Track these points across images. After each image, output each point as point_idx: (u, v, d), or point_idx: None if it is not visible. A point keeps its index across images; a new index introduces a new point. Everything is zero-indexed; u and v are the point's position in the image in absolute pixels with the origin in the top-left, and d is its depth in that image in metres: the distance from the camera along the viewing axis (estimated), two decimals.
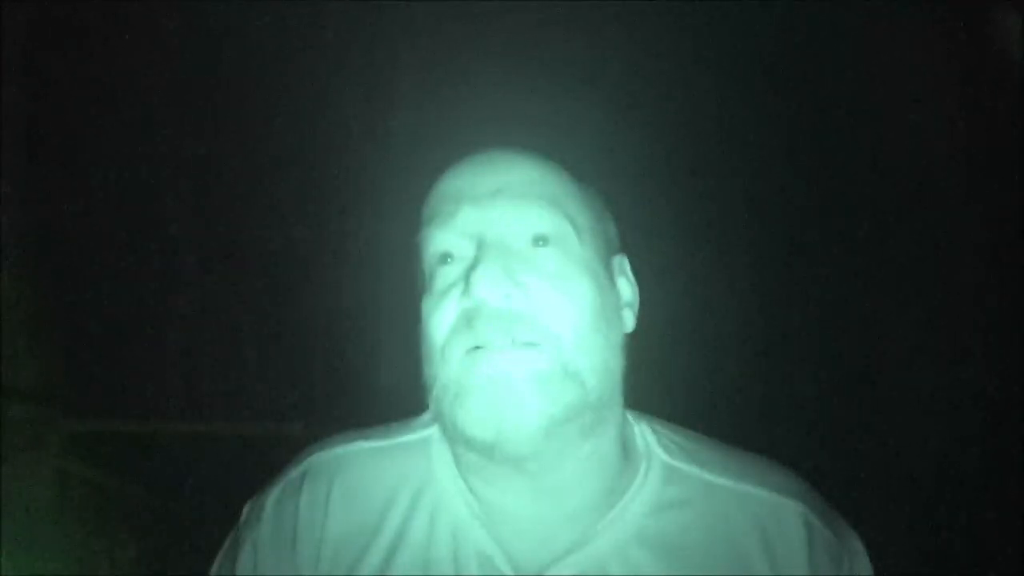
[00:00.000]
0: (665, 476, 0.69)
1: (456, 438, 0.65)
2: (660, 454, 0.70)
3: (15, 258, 2.00)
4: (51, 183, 2.16)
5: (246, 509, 0.76)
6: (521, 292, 0.62)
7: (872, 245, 2.01)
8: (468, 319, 0.62)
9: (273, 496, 0.74)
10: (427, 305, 0.66)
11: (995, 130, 1.63)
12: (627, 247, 0.75)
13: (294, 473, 0.74)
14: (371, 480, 0.72)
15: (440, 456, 0.71)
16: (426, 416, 0.73)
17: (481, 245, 0.64)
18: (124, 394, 2.27)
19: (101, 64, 2.17)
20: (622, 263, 0.72)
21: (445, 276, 0.65)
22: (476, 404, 0.61)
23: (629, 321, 0.70)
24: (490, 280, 0.61)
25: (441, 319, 0.64)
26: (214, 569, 0.76)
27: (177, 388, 2.40)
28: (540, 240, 0.65)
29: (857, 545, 0.69)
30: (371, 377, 2.32)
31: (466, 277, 0.63)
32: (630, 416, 0.72)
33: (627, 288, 0.72)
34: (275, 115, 2.30)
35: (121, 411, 2.27)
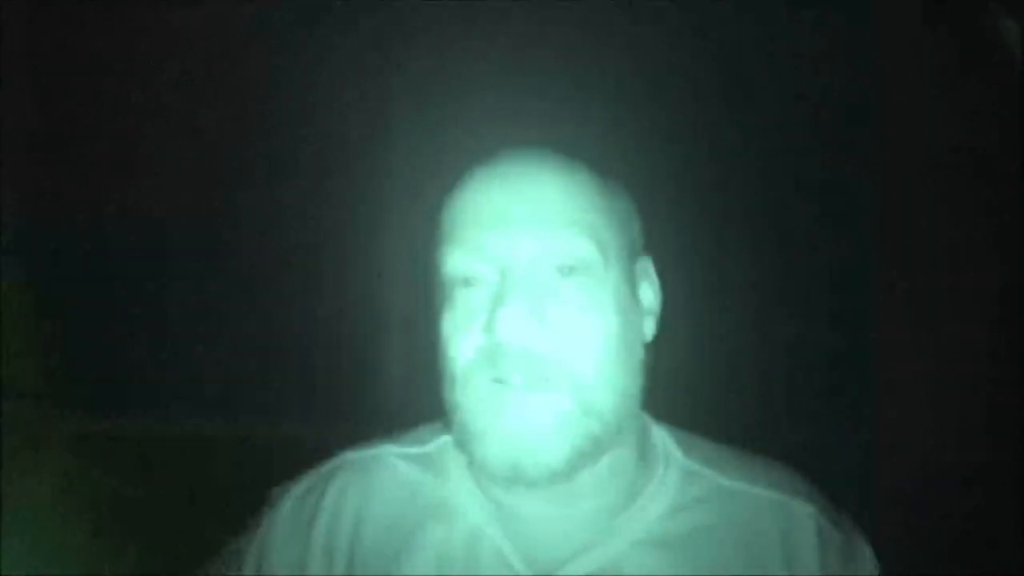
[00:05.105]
0: (683, 478, 0.70)
1: (474, 466, 0.66)
2: (678, 456, 0.71)
3: (15, 257, 2.00)
4: (51, 182, 2.16)
5: (275, 494, 0.78)
6: (544, 330, 0.62)
7: (873, 245, 2.01)
8: (490, 356, 0.62)
9: (302, 486, 0.77)
10: (448, 327, 0.65)
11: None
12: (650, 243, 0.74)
13: (326, 467, 0.77)
14: (393, 484, 0.74)
15: (456, 463, 0.72)
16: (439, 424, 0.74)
17: (506, 276, 0.62)
18: (124, 394, 2.27)
19: (99, 64, 2.17)
20: (645, 266, 0.71)
21: (467, 300, 0.64)
22: (497, 443, 0.62)
23: (650, 329, 0.70)
24: (515, 321, 0.60)
25: (462, 348, 0.64)
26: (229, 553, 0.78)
27: (178, 388, 2.40)
28: (566, 270, 0.63)
29: (864, 546, 0.70)
30: (373, 377, 2.32)
31: (490, 311, 0.62)
32: (648, 417, 0.72)
33: (650, 294, 0.71)
34: (276, 115, 2.30)
35: (122, 411, 2.27)
